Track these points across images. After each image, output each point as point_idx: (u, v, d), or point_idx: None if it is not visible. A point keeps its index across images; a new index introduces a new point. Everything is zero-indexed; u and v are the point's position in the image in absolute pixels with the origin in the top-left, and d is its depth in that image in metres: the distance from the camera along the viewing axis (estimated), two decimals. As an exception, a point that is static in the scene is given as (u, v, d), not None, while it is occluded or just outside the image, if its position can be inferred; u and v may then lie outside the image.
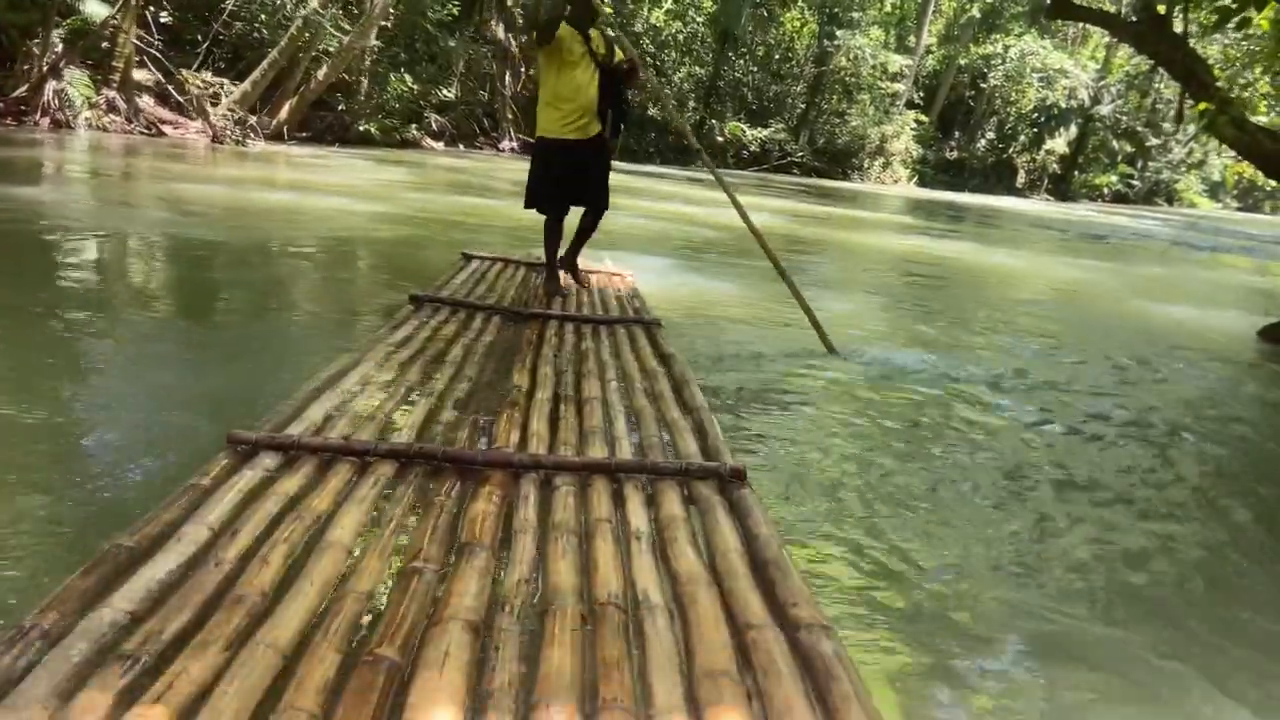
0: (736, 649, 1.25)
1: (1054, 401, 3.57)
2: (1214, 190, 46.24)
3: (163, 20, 14.17)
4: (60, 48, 11.47)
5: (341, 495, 1.64)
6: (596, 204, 3.89)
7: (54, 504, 1.82)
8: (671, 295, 4.83)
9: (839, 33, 26.86)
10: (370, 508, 1.60)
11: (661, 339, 3.31)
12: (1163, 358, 4.67)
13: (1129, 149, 36.48)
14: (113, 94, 12.31)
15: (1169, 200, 40.89)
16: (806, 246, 7.75)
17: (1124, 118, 34.77)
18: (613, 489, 1.81)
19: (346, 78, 16.42)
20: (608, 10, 3.75)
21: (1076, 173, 36.23)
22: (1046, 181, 35.29)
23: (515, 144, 20.36)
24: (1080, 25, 30.76)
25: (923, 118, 30.78)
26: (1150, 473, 2.87)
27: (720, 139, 25.76)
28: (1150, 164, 38.20)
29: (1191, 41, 6.16)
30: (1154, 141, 36.60)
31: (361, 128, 16.54)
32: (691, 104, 25.27)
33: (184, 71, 13.57)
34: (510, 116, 20.54)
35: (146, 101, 13.14)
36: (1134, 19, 6.88)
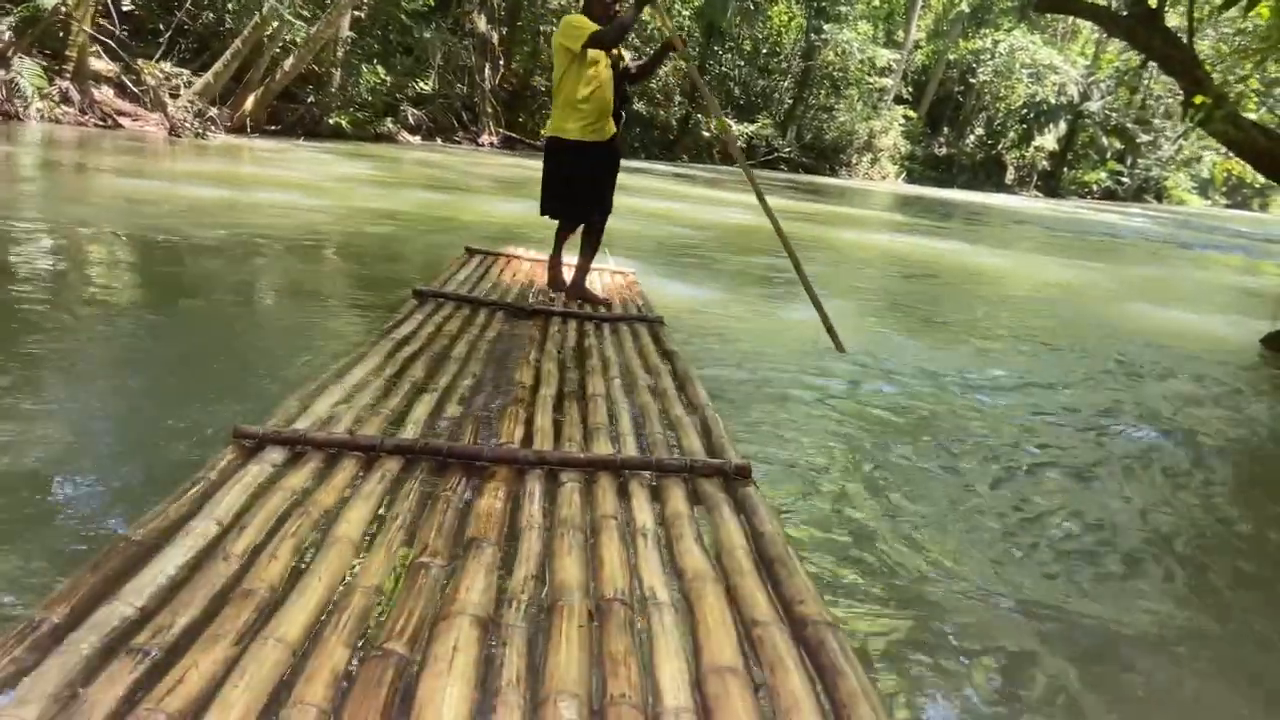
0: (743, 645, 1.28)
1: (1056, 405, 3.62)
2: (1203, 188, 47.13)
3: (125, 9, 13.99)
4: (9, 35, 11.27)
5: (348, 491, 1.67)
6: (603, 209, 3.88)
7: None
8: (661, 292, 4.85)
9: (826, 27, 27.07)
10: (377, 503, 1.62)
11: (664, 336, 3.37)
12: (1164, 367, 4.57)
13: (1118, 146, 37.09)
14: (66, 84, 12.11)
15: (1158, 197, 41.62)
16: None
17: (1114, 114, 35.36)
18: (618, 485, 1.84)
19: (317, 69, 16.29)
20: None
21: (1066, 169, 36.81)
22: (1036, 178, 35.81)
23: (495, 138, 20.32)
24: (1070, 20, 31.27)
25: (911, 113, 31.10)
26: (1155, 475, 2.94)
27: (706, 134, 25.87)
28: (1140, 161, 38.87)
29: (1184, 36, 6.25)
30: (1144, 138, 37.26)
31: (332, 121, 16.39)
32: (677, 99, 25.35)
33: (140, 62, 13.38)
34: (490, 110, 20.49)
35: (106, 93, 12.94)
36: (1125, 13, 6.99)
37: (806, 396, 3.28)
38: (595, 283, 4.30)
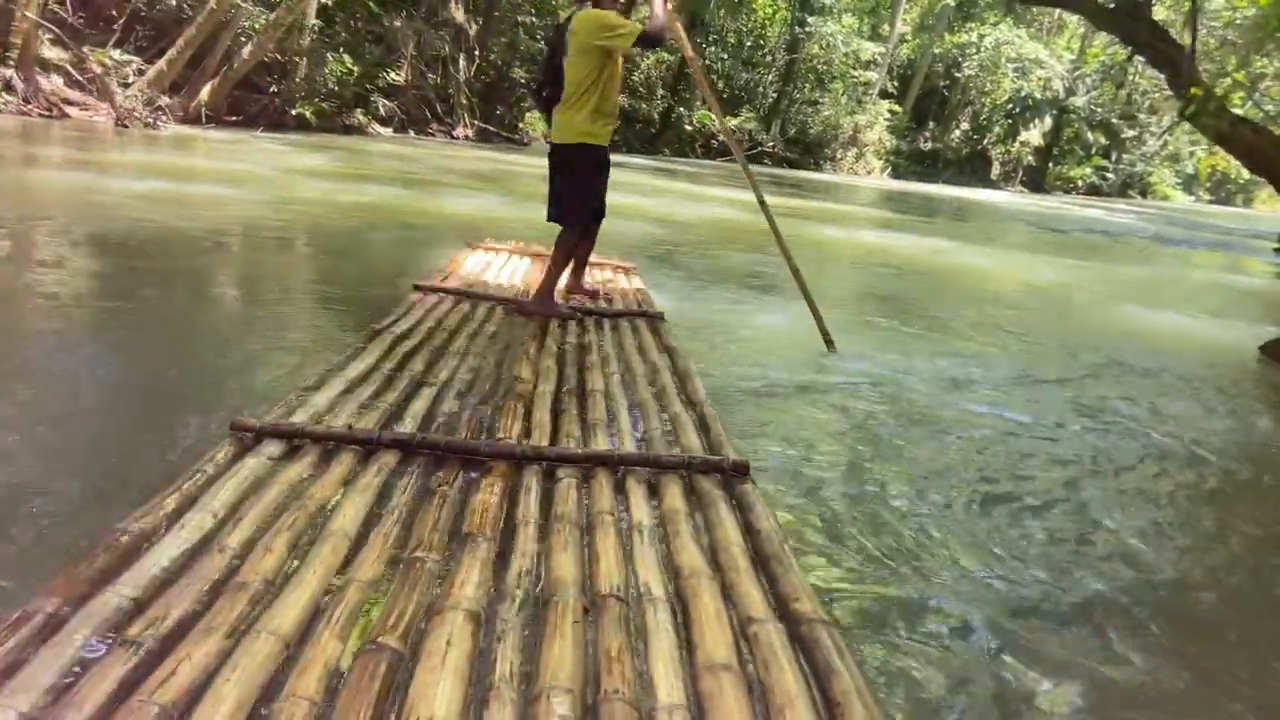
0: (738, 643, 1.31)
1: (1052, 407, 3.67)
2: (1187, 183, 48.15)
3: (80, -7, 13.76)
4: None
5: (344, 484, 1.69)
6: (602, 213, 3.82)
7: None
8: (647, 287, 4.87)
9: (811, 19, 27.31)
10: (373, 497, 1.65)
11: (664, 332, 3.42)
12: (1161, 374, 4.46)
13: (1103, 141, 37.81)
14: (9, 73, 11.88)
15: (1143, 193, 42.46)
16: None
17: (1099, 109, 36.03)
18: (615, 481, 1.87)
19: (281, 58, 16.11)
20: None
21: (1051, 165, 37.44)
22: (1021, 173, 36.38)
23: (471, 131, 20.26)
24: (1056, 14, 31.77)
25: (896, 108, 31.44)
26: (1141, 475, 3.01)
27: (689, 128, 25.97)
28: (1125, 156, 39.63)
29: (1173, 31, 6.37)
30: (1129, 134, 38.01)
31: (295, 112, 16.19)
32: (660, 92, 25.41)
33: (87, 49, 13.14)
34: (465, 102, 20.41)
35: (55, 82, 12.71)
36: (1111, 5, 7.12)
37: (795, 395, 3.32)
38: (596, 279, 4.39)
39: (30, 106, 11.95)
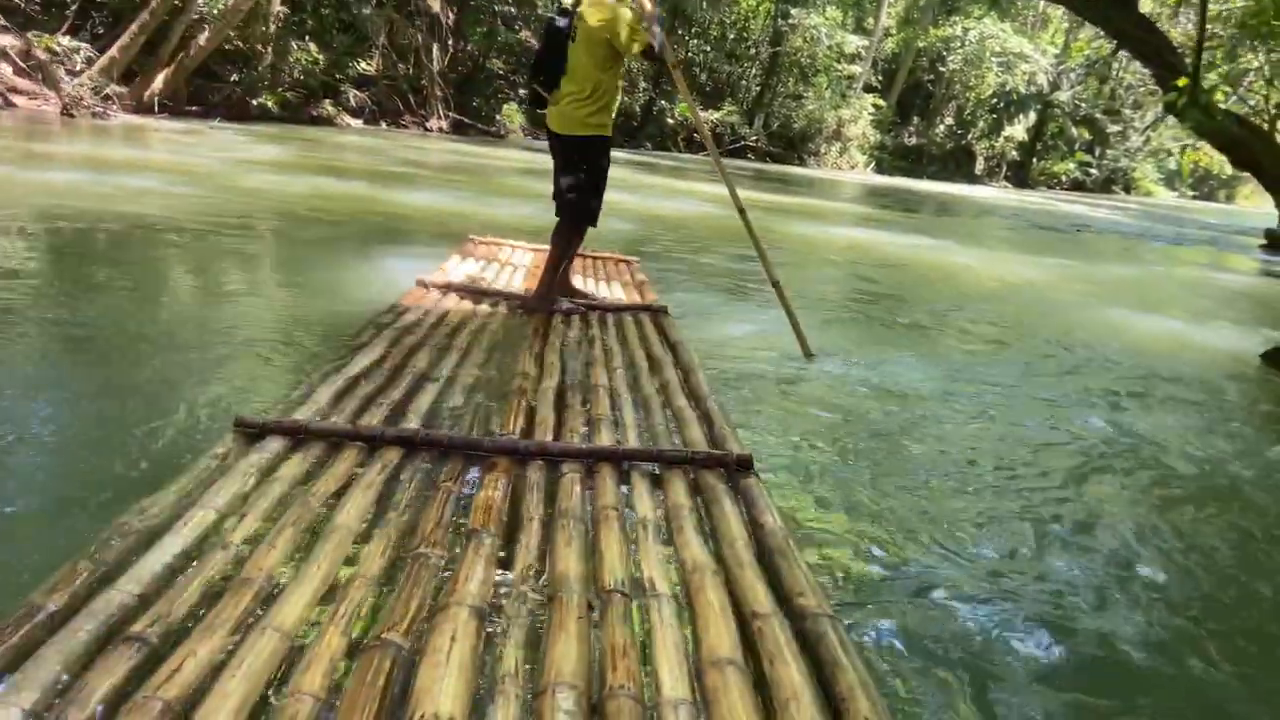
0: (742, 637, 1.33)
1: (1047, 401, 3.73)
2: (1170, 179, 49.16)
3: (33, -22, 13.51)
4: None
5: (348, 480, 1.70)
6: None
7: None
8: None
9: (794, 11, 27.46)
10: (377, 493, 1.66)
11: (668, 326, 3.44)
12: (1157, 385, 4.29)
13: (1087, 136, 38.45)
14: (-50, 60, 11.62)
15: (1126, 189, 43.24)
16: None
17: (1083, 104, 36.64)
18: (619, 476, 1.90)
19: (243, 46, 15.90)
20: None
21: (1035, 160, 38.01)
22: (1005, 169, 36.90)
23: (445, 123, 20.13)
24: (1041, 7, 32.25)
25: (880, 102, 31.72)
26: (1137, 483, 3.08)
27: (670, 121, 26.02)
28: (1108, 152, 40.33)
29: (1159, 23, 6.49)
30: (1112, 129, 38.70)
31: (257, 102, 15.97)
32: (642, 85, 25.44)
33: (32, 35, 12.88)
34: (439, 93, 20.29)
35: (3, 69, 12.46)
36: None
37: (785, 396, 3.34)
38: (595, 274, 4.44)
39: (-30, 95, 11.69)
